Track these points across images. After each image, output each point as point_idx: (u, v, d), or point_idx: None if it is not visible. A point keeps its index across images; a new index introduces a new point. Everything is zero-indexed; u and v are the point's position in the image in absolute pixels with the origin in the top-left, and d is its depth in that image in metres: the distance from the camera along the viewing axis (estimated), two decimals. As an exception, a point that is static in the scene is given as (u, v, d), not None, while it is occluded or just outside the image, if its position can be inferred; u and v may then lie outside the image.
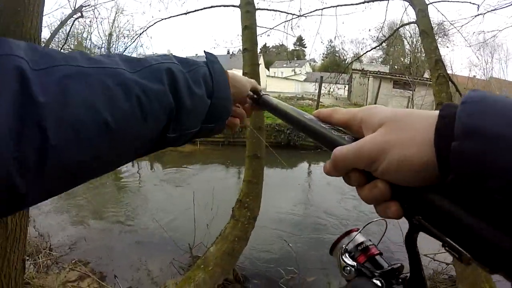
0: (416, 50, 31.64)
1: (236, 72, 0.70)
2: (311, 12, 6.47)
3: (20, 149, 0.34)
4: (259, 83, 4.48)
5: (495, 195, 0.28)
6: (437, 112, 0.35)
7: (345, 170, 0.42)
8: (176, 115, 0.53)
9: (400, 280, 0.49)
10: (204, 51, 0.65)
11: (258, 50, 4.56)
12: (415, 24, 5.03)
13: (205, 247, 4.51)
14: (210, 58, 0.63)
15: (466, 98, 0.33)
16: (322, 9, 6.38)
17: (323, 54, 63.96)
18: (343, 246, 0.56)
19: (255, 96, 0.75)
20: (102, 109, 0.41)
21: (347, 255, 0.55)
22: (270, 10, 6.08)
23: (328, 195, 8.40)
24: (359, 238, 0.57)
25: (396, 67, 38.03)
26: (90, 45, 20.09)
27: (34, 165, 0.36)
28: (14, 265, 1.80)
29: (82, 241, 5.87)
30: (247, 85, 0.70)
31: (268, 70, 60.67)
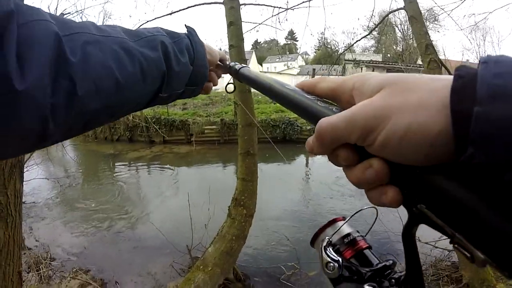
0: (408, 37, 31.68)
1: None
2: (298, 4, 6.43)
3: (55, 96, 0.43)
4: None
5: None
6: (449, 77, 0.28)
7: (333, 145, 0.34)
8: (167, 79, 0.64)
9: (393, 281, 0.41)
10: (185, 25, 0.76)
11: (250, 47, 4.56)
12: (403, 10, 5.00)
13: (204, 248, 4.49)
14: (191, 31, 0.74)
15: (486, 58, 0.27)
16: (309, 1, 6.35)
17: (315, 46, 63.99)
18: (327, 238, 0.48)
19: (221, 64, 0.85)
20: (114, 70, 0.51)
21: (331, 248, 0.47)
22: (256, 4, 6.06)
23: (327, 187, 8.39)
24: (346, 228, 0.49)
25: (389, 55, 38.06)
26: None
27: (63, 110, 0.45)
28: (10, 278, 1.79)
29: (81, 249, 5.86)
30: (218, 55, 0.82)
31: (261, 65, 60.68)
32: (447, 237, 0.27)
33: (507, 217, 0.23)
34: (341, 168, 0.37)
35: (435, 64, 4.36)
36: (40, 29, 0.43)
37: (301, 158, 11.97)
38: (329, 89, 0.40)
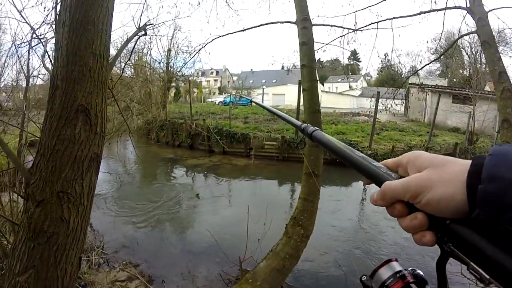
0: (476, 61, 30.06)
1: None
2: (366, 26, 6.36)
3: None
4: (318, 99, 4.47)
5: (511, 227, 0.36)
6: (470, 161, 0.44)
7: (392, 200, 0.50)
8: None
9: None
10: None
11: (313, 65, 4.57)
12: (475, 34, 4.81)
13: (254, 262, 4.51)
14: None
15: (493, 151, 0.42)
16: (377, 23, 6.26)
17: (378, 68, 62.67)
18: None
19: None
20: None
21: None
22: (326, 25, 6.05)
23: (383, 216, 8.12)
24: (397, 267, 0.61)
25: (455, 79, 36.41)
26: (150, 60, 21.11)
27: None
28: (71, 262, 1.90)
29: (134, 243, 6.12)
30: None
31: (323, 85, 60.30)
32: (466, 266, 0.40)
33: (503, 251, 0.36)
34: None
35: (508, 94, 4.15)
36: None
37: (359, 183, 11.62)
38: (393, 162, 0.56)
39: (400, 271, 0.59)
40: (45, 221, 1.79)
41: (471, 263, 0.39)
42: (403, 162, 0.54)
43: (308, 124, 0.92)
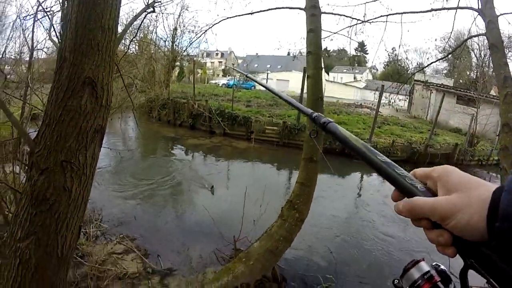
0: (484, 64, 29.86)
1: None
2: (375, 18, 6.33)
3: None
4: (321, 87, 4.49)
5: None
6: (494, 189, 0.49)
7: (419, 217, 0.55)
8: None
9: None
10: None
11: (319, 54, 4.57)
12: (484, 36, 4.80)
13: (249, 242, 4.58)
14: None
15: (508, 186, 0.47)
16: (387, 16, 6.22)
17: (385, 61, 62.23)
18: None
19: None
20: None
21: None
22: (335, 14, 6.03)
23: (377, 207, 8.20)
24: (425, 267, 0.63)
25: (461, 81, 36.22)
26: (155, 38, 20.96)
27: None
28: (71, 230, 1.95)
29: (132, 218, 6.23)
30: None
31: (328, 74, 59.90)
32: (485, 280, 0.47)
33: None
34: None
35: (511, 99, 4.17)
36: None
37: (356, 174, 11.66)
38: (423, 172, 0.59)
39: (428, 271, 0.62)
40: (48, 189, 1.83)
41: (490, 279, 0.46)
42: (433, 176, 0.57)
43: (320, 114, 0.89)
